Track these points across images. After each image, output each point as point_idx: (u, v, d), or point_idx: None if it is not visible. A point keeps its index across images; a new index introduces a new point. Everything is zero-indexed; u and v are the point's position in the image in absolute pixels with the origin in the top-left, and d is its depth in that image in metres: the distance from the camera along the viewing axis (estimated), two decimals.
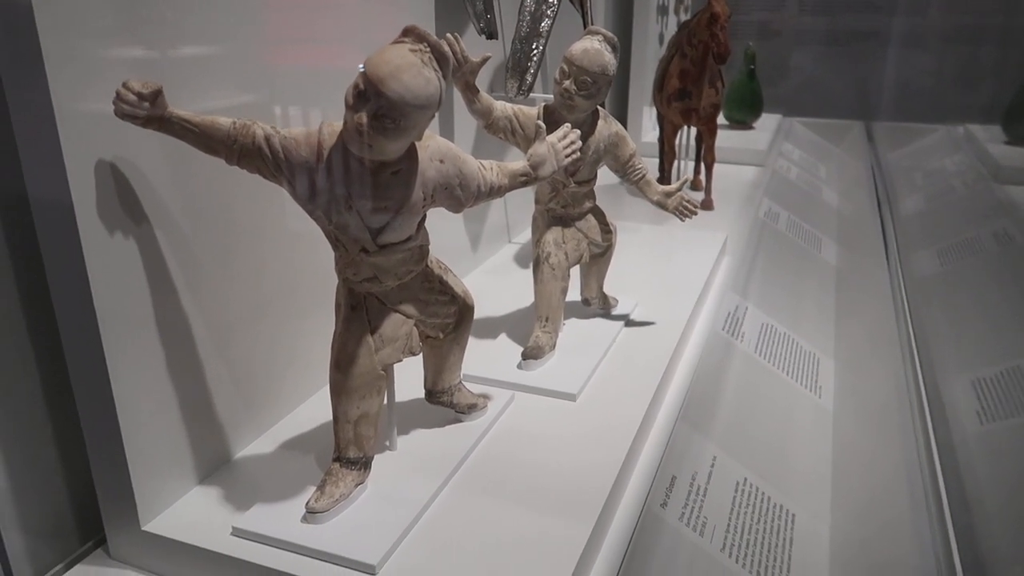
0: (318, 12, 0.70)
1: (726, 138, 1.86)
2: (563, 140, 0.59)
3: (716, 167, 1.43)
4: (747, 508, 0.71)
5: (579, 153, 0.61)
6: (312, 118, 0.69)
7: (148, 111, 0.47)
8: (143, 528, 0.56)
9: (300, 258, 0.68)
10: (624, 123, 1.82)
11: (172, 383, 0.57)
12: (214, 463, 0.62)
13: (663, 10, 1.83)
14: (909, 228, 1.52)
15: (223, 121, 0.50)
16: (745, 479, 0.74)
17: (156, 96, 0.47)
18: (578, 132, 0.61)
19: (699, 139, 1.50)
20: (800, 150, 2.02)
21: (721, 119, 1.97)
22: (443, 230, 0.96)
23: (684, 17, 1.93)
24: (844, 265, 1.38)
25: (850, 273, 1.35)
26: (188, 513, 0.58)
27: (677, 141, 1.45)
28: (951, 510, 0.71)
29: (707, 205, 1.41)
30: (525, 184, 0.59)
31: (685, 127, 1.40)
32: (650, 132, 1.83)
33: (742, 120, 1.99)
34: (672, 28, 1.86)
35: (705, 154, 1.42)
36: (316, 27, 0.70)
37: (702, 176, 1.46)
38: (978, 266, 1.28)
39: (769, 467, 0.78)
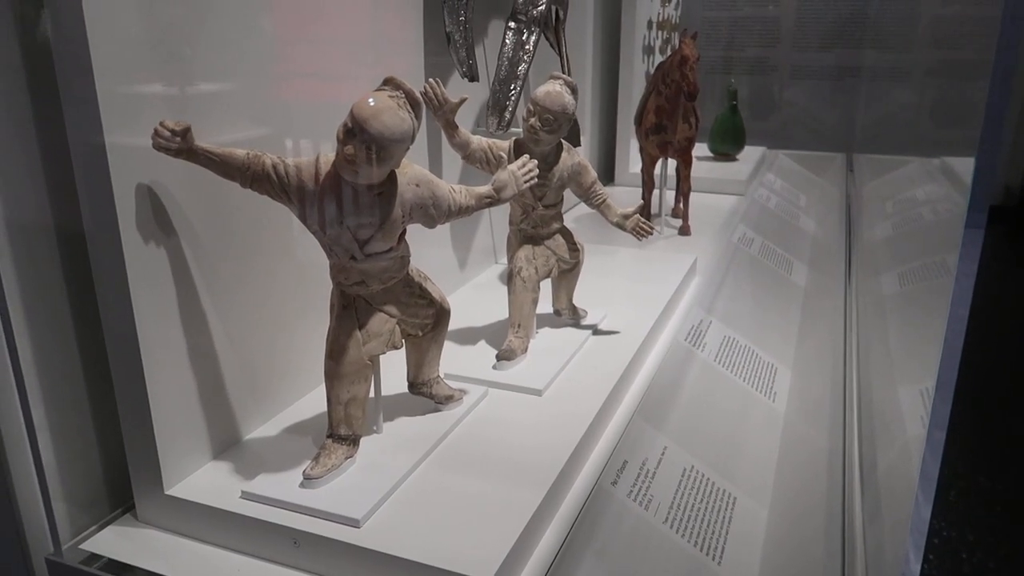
0: (322, 55, 0.82)
1: (710, 169, 1.98)
2: (522, 168, 0.71)
3: (698, 196, 1.54)
4: (692, 490, 0.80)
5: (537, 179, 0.72)
6: (316, 147, 0.81)
7: (179, 144, 0.59)
8: (166, 492, 0.66)
9: (302, 272, 0.79)
10: (612, 155, 1.94)
11: (194, 375, 0.68)
12: (225, 443, 0.73)
13: (649, 50, 1.95)
14: (874, 252, 1.63)
15: (239, 152, 0.61)
16: (692, 466, 0.84)
17: (186, 132, 0.59)
18: (535, 162, 0.72)
19: (678, 170, 1.62)
20: (783, 180, 2.12)
21: (706, 151, 2.10)
22: (437, 250, 1.07)
23: None
24: (812, 286, 1.48)
25: (816, 293, 1.45)
26: (204, 481, 0.68)
27: (658, 171, 1.56)
28: (863, 494, 0.81)
29: (684, 231, 1.52)
30: (490, 205, 0.70)
31: (663, 159, 1.51)
32: (637, 163, 1.94)
33: (726, 152, 2.10)
34: None
35: (682, 183, 1.53)
36: (320, 68, 0.82)
37: (681, 204, 1.57)
38: (940, 288, 1.38)
39: (717, 458, 0.88)
